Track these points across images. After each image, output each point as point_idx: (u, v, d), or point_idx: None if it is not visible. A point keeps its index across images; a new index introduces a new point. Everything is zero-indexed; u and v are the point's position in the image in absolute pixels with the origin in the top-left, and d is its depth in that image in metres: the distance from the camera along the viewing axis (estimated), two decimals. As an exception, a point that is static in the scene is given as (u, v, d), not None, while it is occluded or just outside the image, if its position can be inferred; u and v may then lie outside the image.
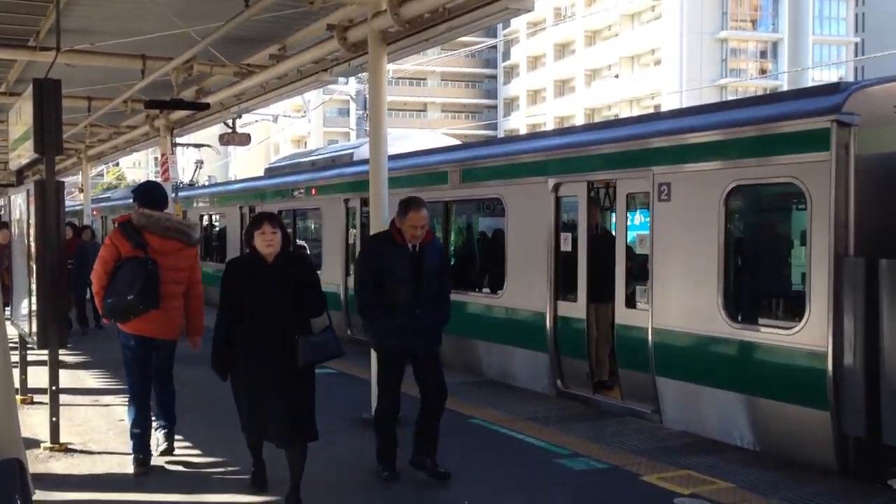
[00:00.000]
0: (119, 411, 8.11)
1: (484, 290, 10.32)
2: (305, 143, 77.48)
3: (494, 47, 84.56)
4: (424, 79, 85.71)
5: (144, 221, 5.92)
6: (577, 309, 8.49)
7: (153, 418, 6.22)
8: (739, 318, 6.95)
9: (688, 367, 7.30)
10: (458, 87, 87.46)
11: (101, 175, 66.76)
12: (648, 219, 8.06)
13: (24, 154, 7.26)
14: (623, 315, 7.96)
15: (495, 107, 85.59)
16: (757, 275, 7.59)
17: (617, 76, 66.49)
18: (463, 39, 39.26)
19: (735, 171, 6.88)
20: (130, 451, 6.05)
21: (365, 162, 13.40)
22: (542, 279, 8.86)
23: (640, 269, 8.03)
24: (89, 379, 9.92)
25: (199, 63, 10.40)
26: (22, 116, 7.24)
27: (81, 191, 22.68)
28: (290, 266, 5.26)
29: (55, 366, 6.34)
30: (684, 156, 7.28)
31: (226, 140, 14.12)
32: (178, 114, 13.90)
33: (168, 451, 6.23)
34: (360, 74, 24.07)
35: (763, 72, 61.62)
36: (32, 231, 6.60)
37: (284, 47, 10.21)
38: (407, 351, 5.73)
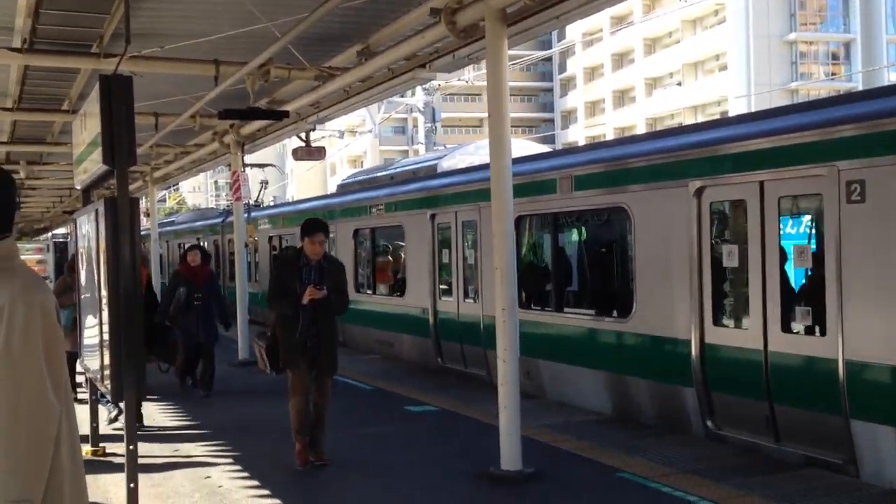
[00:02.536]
0: (205, 466, 6.99)
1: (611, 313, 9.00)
2: (362, 163, 77.10)
3: (550, 60, 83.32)
4: (479, 94, 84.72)
5: None
6: (741, 337, 7.10)
7: None
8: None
9: None
10: (514, 101, 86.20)
11: (162, 200, 67.37)
12: (816, 226, 6.70)
13: (90, 167, 6.21)
14: (788, 342, 6.59)
15: (552, 120, 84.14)
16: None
17: (679, 84, 64.54)
18: (517, 52, 37.98)
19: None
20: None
21: (451, 173, 12.32)
22: (682, 300, 7.52)
23: (813, 287, 6.65)
24: (165, 419, 8.85)
25: (277, 67, 9.34)
26: (87, 124, 6.20)
27: (147, 215, 21.96)
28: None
29: (133, 421, 5.22)
30: (888, 145, 5.88)
31: (300, 154, 13.07)
32: (250, 127, 12.95)
33: None
34: (429, 84, 23.03)
35: (833, 74, 59.09)
36: (102, 258, 5.53)
37: (368, 46, 9.10)
38: None
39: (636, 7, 64.78)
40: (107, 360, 5.51)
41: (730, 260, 7.08)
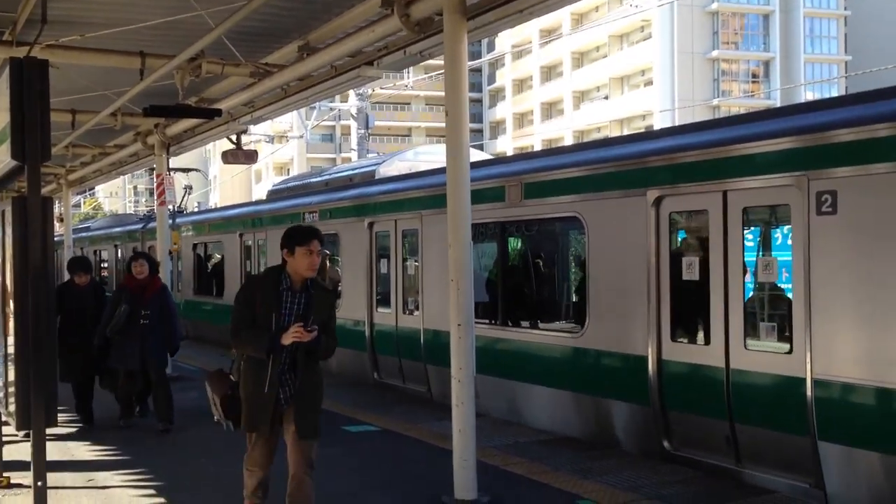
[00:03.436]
0: (120, 494, 6.31)
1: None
2: (289, 170, 75.68)
3: (479, 70, 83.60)
4: (409, 103, 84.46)
5: None
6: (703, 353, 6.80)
7: None
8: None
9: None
10: (443, 111, 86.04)
11: (77, 206, 64.79)
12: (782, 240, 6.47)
13: (-3, 165, 5.50)
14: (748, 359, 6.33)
15: (481, 131, 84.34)
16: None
17: (606, 97, 65.50)
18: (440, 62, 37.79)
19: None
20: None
21: (390, 180, 11.82)
22: (637, 315, 7.21)
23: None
24: (80, 449, 8.05)
25: (209, 61, 8.69)
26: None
27: (61, 220, 20.74)
28: None
29: (41, 452, 4.55)
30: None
31: (230, 158, 12.36)
32: (177, 127, 12.18)
33: None
34: (363, 88, 22.47)
35: (752, 93, 60.84)
36: (9, 266, 4.87)
37: (309, 42, 8.55)
38: None
39: (565, 20, 65.46)
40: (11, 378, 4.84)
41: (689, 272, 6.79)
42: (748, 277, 6.50)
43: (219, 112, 9.38)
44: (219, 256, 17.71)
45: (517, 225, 9.07)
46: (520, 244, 9.57)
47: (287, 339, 4.73)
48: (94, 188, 60.61)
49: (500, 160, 11.27)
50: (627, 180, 7.47)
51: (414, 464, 7.27)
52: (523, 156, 10.54)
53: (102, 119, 11.64)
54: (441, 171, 10.46)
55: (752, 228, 6.75)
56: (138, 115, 12.14)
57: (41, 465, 4.57)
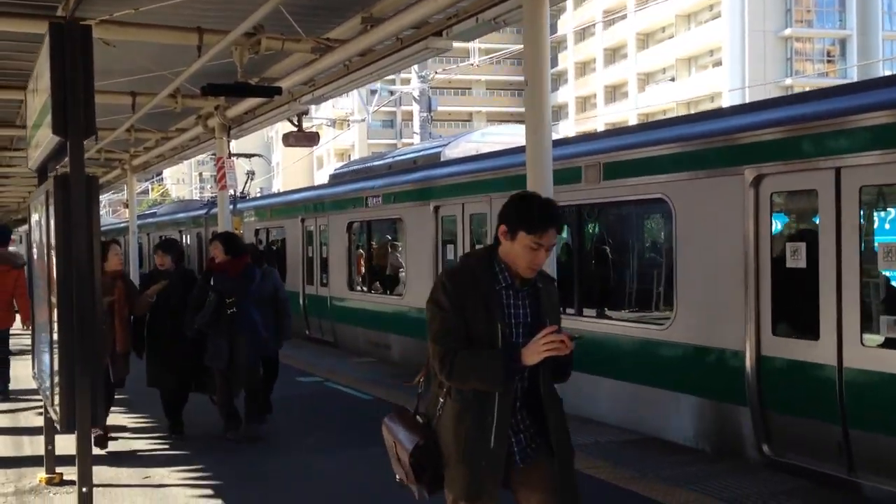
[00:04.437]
0: (176, 494, 5.93)
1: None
2: (349, 156, 75.84)
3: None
4: (469, 88, 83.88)
5: None
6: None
7: None
8: None
9: None
10: (505, 95, 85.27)
11: (145, 192, 66.08)
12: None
13: (42, 142, 5.13)
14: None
15: None
16: None
17: (673, 79, 63.74)
18: (508, 46, 36.77)
19: None
20: None
21: (457, 161, 11.26)
22: (733, 306, 6.52)
23: None
24: (138, 443, 7.71)
25: (268, 36, 8.25)
26: (38, 87, 5.11)
27: (126, 206, 20.76)
28: None
29: (86, 456, 4.16)
30: None
31: (292, 140, 11.98)
32: (237, 109, 11.84)
33: None
34: (425, 70, 21.94)
35: (827, 73, 58.44)
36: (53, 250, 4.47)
37: (371, 14, 8.04)
38: None
39: (629, 1, 63.85)
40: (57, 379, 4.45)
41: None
42: (866, 264, 5.77)
43: (279, 90, 8.94)
44: (281, 242, 17.44)
45: (595, 208, 8.43)
46: (597, 228, 8.92)
47: (535, 355, 3.08)
48: (160, 173, 61.56)
49: (575, 139, 10.63)
50: (721, 158, 6.77)
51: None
52: (602, 134, 9.88)
53: (162, 101, 11.34)
54: (511, 151, 9.91)
55: (873, 210, 6.01)
56: (198, 97, 11.83)
57: (87, 471, 4.18)
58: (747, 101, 49.90)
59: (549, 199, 3.45)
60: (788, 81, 56.70)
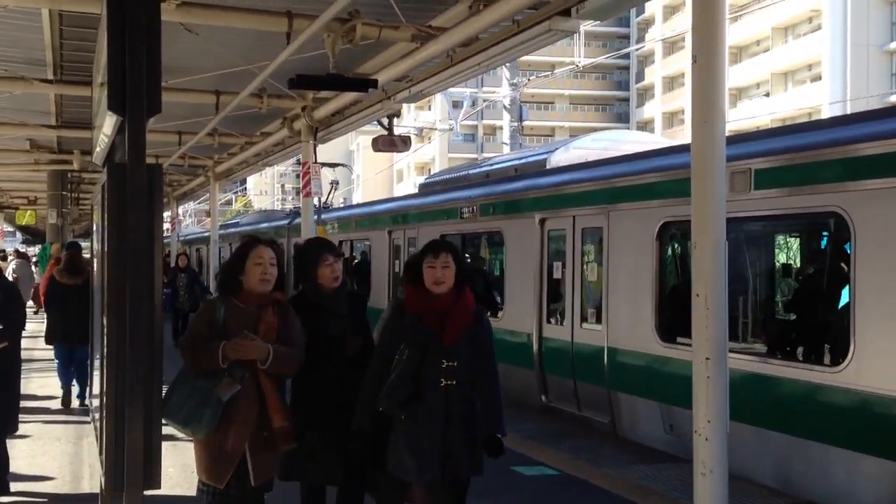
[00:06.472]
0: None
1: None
2: (429, 170, 75.39)
3: (626, 68, 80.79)
4: (552, 102, 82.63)
5: None
6: None
7: None
8: None
9: None
10: (588, 110, 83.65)
11: (228, 203, 66.90)
12: None
13: (106, 129, 4.24)
14: None
15: (627, 99, 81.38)
16: None
17: (767, 94, 61.15)
18: (589, 29, 34.86)
19: None
20: None
21: (567, 169, 10.14)
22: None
23: None
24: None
25: (365, 23, 7.32)
26: (100, 65, 4.22)
27: (208, 214, 20.31)
28: None
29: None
30: None
31: (381, 144, 11.06)
32: (324, 110, 11.00)
33: None
34: (517, 77, 20.88)
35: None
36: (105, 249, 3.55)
37: (480, -1, 7.02)
38: None
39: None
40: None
41: None
42: None
43: (374, 83, 7.99)
44: (366, 255, 16.56)
45: (741, 223, 7.16)
46: (744, 247, 7.64)
47: None
48: (245, 183, 62.08)
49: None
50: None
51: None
52: (749, 135, 8.61)
53: (247, 102, 10.60)
54: (632, 157, 8.77)
55: None
56: (285, 98, 11.09)
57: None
58: (849, 117, 47.26)
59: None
60: (894, 98, 53.66)
